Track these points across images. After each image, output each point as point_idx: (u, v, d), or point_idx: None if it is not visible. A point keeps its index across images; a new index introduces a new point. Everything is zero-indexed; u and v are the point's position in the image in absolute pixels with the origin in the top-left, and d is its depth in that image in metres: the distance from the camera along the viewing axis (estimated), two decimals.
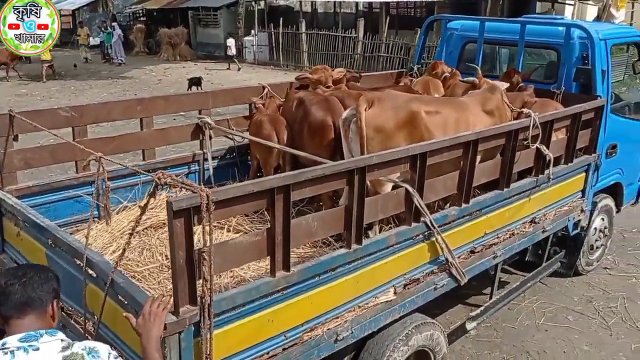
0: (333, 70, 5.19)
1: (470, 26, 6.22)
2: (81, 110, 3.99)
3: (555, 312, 5.16)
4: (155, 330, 2.14)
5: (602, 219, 5.83)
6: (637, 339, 4.77)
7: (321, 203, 4.22)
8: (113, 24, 25.03)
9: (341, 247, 3.18)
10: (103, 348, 1.96)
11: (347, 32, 21.84)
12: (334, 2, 25.36)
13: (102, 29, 25.07)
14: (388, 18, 22.20)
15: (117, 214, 4.19)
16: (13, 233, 3.52)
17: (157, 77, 20.70)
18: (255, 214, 4.26)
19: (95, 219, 4.21)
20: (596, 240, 5.82)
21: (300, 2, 25.73)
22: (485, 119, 4.14)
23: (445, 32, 6.48)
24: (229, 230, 4.08)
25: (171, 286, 3.23)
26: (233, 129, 4.92)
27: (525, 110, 4.28)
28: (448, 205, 3.98)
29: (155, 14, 29.49)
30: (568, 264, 5.61)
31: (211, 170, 4.84)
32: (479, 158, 3.81)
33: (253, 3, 25.26)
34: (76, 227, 4.02)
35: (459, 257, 3.75)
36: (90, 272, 2.78)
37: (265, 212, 4.09)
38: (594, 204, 5.49)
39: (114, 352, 1.99)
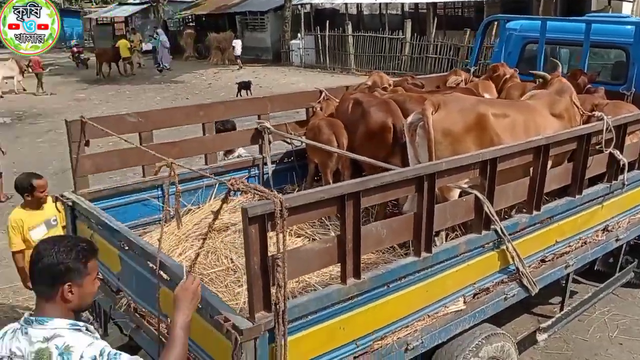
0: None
1: (530, 26, 6.04)
2: (146, 116, 4.06)
3: (629, 324, 4.92)
4: (187, 307, 2.15)
5: None
6: None
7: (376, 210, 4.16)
8: (158, 30, 25.60)
9: (406, 253, 3.11)
10: (80, 348, 1.84)
11: (393, 33, 21.70)
12: (380, 3, 25.25)
13: (154, 35, 25.66)
14: (436, 18, 21.93)
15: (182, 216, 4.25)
16: (87, 235, 3.60)
17: (207, 81, 21.08)
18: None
19: (160, 222, 4.30)
20: None
21: (346, 5, 25.71)
22: (554, 123, 3.99)
23: (504, 32, 6.32)
24: (290, 235, 4.08)
25: (238, 289, 3.30)
26: (291, 134, 4.93)
27: (596, 113, 4.11)
28: (514, 212, 3.86)
29: (204, 19, 30.08)
30: None
31: (270, 174, 4.86)
32: (550, 163, 3.67)
33: (299, 6, 25.42)
34: (143, 229, 4.10)
35: (529, 266, 3.62)
36: (164, 275, 2.81)
37: (324, 219, 4.07)
38: None
39: (96, 352, 1.85)
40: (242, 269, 3.57)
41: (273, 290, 2.41)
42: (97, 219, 3.43)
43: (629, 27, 5.27)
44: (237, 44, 23.93)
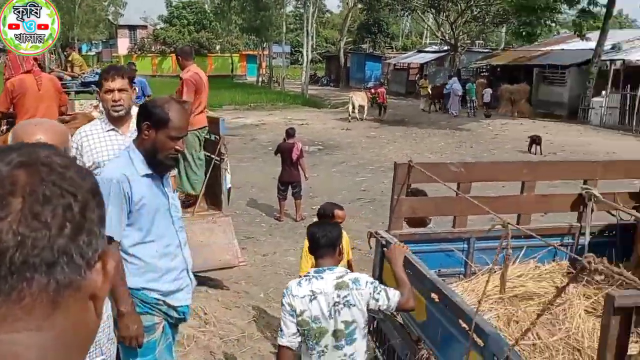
0: None
1: None
2: (469, 167, 3.99)
3: None
4: (400, 259, 3.12)
5: None
6: None
7: None
8: (453, 78, 26.13)
9: None
10: (363, 277, 2.85)
11: None
12: None
13: (446, 84, 26.29)
14: None
15: (481, 274, 4.05)
16: (391, 274, 3.65)
17: (494, 131, 20.64)
18: None
19: (461, 276, 4.17)
20: None
21: None
22: None
23: None
24: None
25: None
26: (619, 205, 4.34)
27: None
28: None
29: (498, 70, 29.78)
30: None
31: (586, 247, 4.33)
32: None
33: (608, 62, 23.24)
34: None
35: None
36: (477, 339, 2.63)
37: None
38: None
39: (371, 279, 2.87)
40: (552, 349, 3.22)
41: None
42: (408, 262, 3.43)
43: None
44: (487, 92, 25.32)
